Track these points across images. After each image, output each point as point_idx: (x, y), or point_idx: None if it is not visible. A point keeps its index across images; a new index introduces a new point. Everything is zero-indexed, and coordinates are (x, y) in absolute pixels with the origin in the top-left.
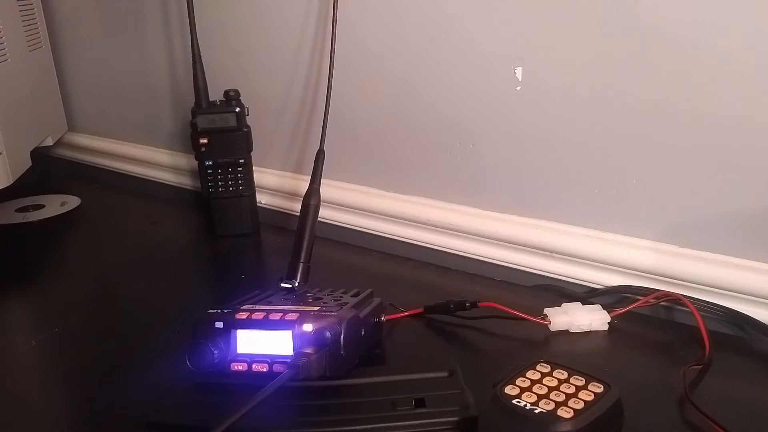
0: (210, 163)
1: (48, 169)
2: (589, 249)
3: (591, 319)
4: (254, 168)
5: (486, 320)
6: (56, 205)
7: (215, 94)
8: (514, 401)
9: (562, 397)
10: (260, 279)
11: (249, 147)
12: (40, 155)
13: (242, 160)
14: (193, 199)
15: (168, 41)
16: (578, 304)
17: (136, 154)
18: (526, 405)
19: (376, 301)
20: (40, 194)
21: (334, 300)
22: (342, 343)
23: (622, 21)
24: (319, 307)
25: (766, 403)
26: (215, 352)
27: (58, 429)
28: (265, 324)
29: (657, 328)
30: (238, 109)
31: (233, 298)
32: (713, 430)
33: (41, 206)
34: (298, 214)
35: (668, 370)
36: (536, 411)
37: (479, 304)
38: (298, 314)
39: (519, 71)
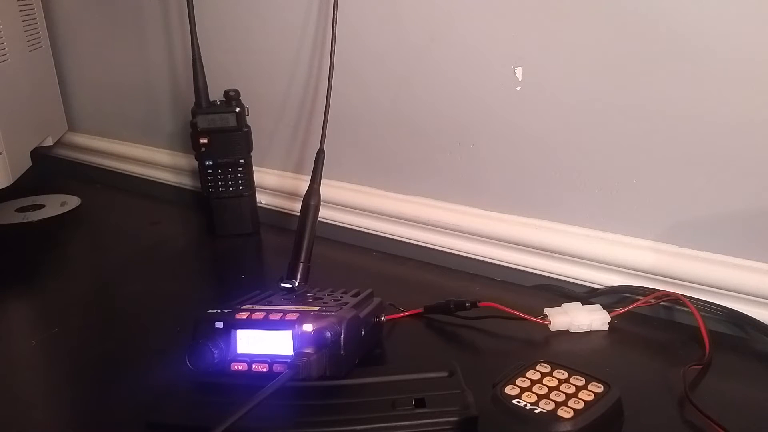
0: (210, 163)
1: (48, 169)
2: (589, 249)
3: (591, 319)
4: (254, 168)
5: (486, 320)
6: (56, 205)
7: (215, 94)
8: (514, 401)
9: (562, 397)
10: (260, 279)
11: (249, 147)
12: (40, 155)
13: (242, 160)
14: (193, 199)
15: (168, 41)
16: (578, 304)
17: (136, 154)
18: (526, 405)
19: (376, 301)
20: (40, 194)
21: (334, 300)
22: (342, 343)
23: (623, 21)
24: (319, 307)
25: (766, 403)
26: (215, 352)
27: (58, 429)
28: (265, 324)
29: (657, 328)
30: (238, 109)
31: (233, 298)
32: (713, 430)
33: (41, 206)
34: (298, 214)
35: (668, 370)
36: (536, 411)
37: (479, 304)
38: (298, 314)
39: (519, 71)
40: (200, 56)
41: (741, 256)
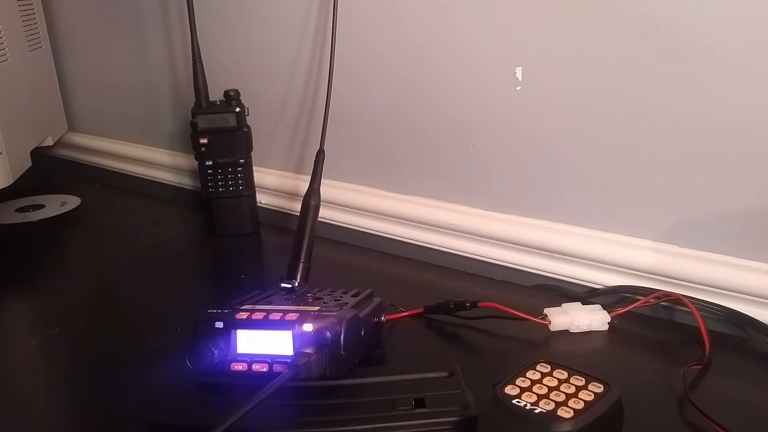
0: (210, 163)
1: (48, 169)
2: (589, 249)
3: (591, 319)
4: (254, 168)
5: (486, 320)
6: (56, 205)
7: (215, 94)
8: (514, 401)
9: (562, 397)
10: (260, 279)
11: (249, 147)
12: (40, 155)
13: (242, 160)
14: (193, 199)
15: (168, 41)
16: (578, 304)
17: (136, 154)
18: (526, 405)
19: (376, 301)
20: (40, 194)
21: (334, 300)
22: (342, 343)
23: (623, 21)
24: (319, 307)
25: (766, 403)
26: (215, 352)
27: (58, 429)
28: (265, 324)
29: (657, 328)
30: (238, 109)
31: (233, 298)
32: (713, 430)
33: (41, 206)
34: (298, 214)
35: (668, 370)
36: (536, 411)
37: (479, 304)
38: (298, 314)
39: (519, 71)
40: (200, 56)
41: (741, 256)
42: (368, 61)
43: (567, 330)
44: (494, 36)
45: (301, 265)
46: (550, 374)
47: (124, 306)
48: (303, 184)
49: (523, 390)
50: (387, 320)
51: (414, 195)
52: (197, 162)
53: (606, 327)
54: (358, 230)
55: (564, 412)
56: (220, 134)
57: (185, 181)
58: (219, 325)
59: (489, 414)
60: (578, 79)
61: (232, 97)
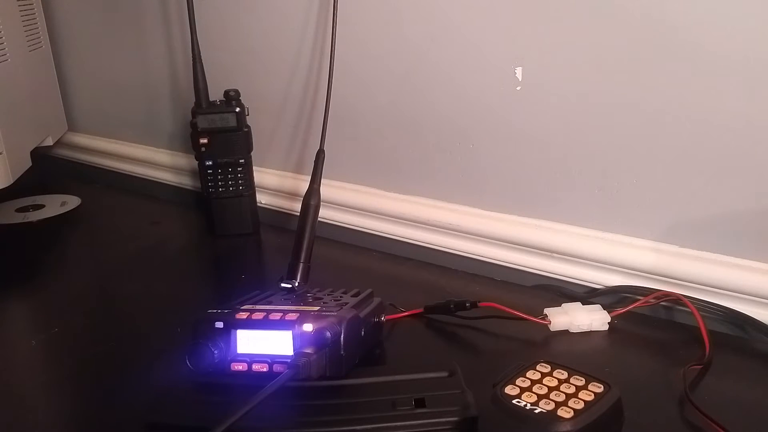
0: (210, 163)
1: (48, 169)
2: (589, 249)
3: (591, 319)
4: (254, 168)
5: (486, 320)
6: (56, 205)
7: (215, 94)
8: (514, 401)
9: (562, 397)
10: (260, 279)
11: (249, 147)
12: (40, 155)
13: (242, 160)
14: (193, 199)
15: (168, 41)
16: (578, 304)
17: (136, 154)
18: (526, 405)
19: (376, 301)
20: (40, 194)
21: (334, 300)
22: (342, 343)
23: (623, 21)
24: (319, 307)
25: (766, 403)
26: (215, 352)
27: (58, 429)
28: (265, 324)
29: (657, 328)
30: (238, 109)
31: (233, 298)
32: (713, 430)
33: (41, 206)
34: (298, 214)
35: (668, 370)
36: (536, 411)
37: (479, 304)
38: (298, 314)
39: (519, 71)
40: (200, 56)
41: (741, 256)
42: (368, 61)
43: (567, 330)
44: (494, 36)
45: (301, 265)
46: (550, 374)
47: (125, 306)
48: (303, 184)
49: (523, 390)
50: (387, 320)
51: (414, 195)
52: (197, 162)
53: (606, 327)
54: (358, 230)
55: (564, 412)
56: (220, 134)
57: (185, 181)
58: (219, 325)
59: (489, 414)
60: (578, 79)
61: (232, 97)
